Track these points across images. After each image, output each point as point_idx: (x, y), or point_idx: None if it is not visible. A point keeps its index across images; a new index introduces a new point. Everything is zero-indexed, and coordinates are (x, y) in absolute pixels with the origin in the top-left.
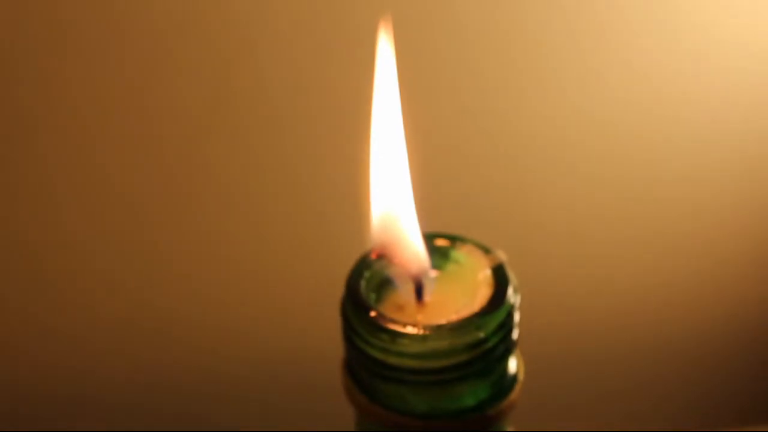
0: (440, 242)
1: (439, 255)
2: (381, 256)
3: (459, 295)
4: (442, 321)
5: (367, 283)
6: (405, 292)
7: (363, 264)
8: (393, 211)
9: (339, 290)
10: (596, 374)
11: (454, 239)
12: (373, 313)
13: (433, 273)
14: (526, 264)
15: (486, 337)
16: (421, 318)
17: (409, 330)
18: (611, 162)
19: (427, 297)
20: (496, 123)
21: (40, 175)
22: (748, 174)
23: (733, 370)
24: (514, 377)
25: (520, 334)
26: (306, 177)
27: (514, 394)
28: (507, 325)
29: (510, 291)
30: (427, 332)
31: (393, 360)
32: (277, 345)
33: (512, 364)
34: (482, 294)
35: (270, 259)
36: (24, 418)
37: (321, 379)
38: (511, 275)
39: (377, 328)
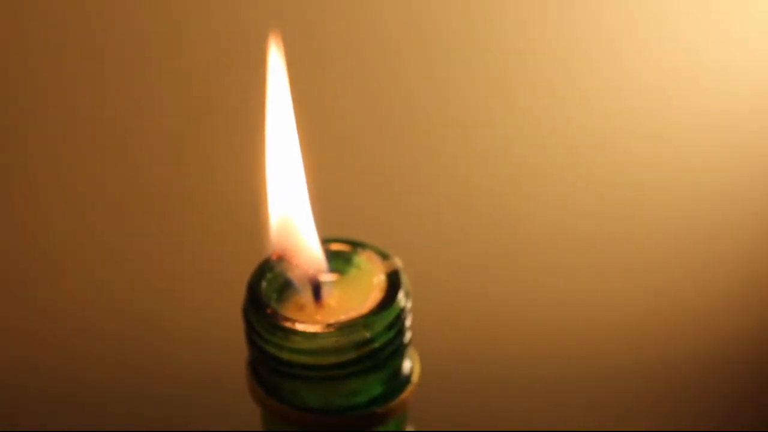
0: (342, 247)
1: (341, 260)
2: (281, 260)
3: (356, 297)
4: (336, 321)
5: (269, 284)
6: (305, 295)
7: (265, 266)
8: (290, 215)
9: None
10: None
11: (355, 245)
12: (268, 311)
13: (333, 276)
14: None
15: (372, 337)
16: (319, 318)
17: (299, 327)
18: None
19: (326, 299)
20: (394, 123)
21: (24, 179)
22: (753, 180)
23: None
24: (407, 378)
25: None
26: (201, 183)
27: (406, 393)
28: (395, 326)
29: (400, 295)
30: (317, 330)
31: (287, 356)
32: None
33: (405, 365)
34: (375, 297)
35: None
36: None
37: None
38: (405, 280)
39: (271, 325)
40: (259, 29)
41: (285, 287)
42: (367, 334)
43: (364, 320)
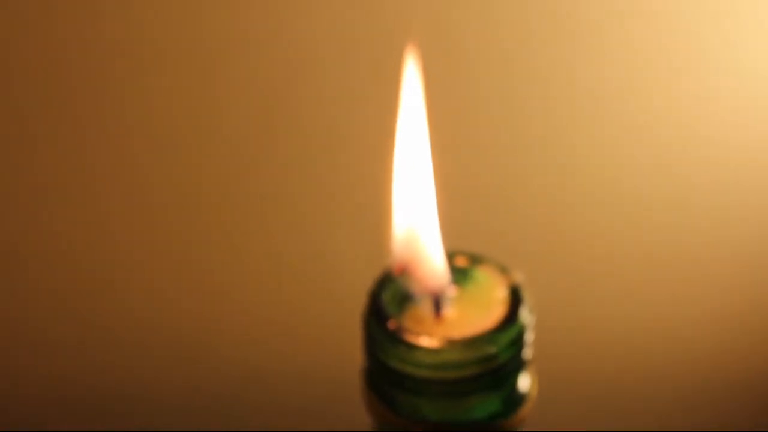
0: (461, 261)
1: (459, 273)
2: (403, 272)
3: (476, 311)
4: (458, 335)
5: (390, 296)
6: (425, 307)
7: (386, 278)
8: (416, 227)
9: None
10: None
11: (474, 258)
12: (392, 324)
13: (453, 290)
14: (545, 282)
15: (497, 353)
16: (439, 331)
17: (424, 342)
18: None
19: (446, 312)
20: (525, 142)
21: (37, 180)
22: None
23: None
24: (526, 394)
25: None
26: (328, 191)
27: (525, 410)
28: (518, 342)
29: (523, 311)
30: (441, 345)
31: (409, 369)
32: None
33: (524, 382)
34: (497, 312)
35: (290, 271)
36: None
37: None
38: (526, 296)
39: (395, 338)
40: (395, 37)
41: (404, 299)
42: (492, 350)
43: (489, 336)
